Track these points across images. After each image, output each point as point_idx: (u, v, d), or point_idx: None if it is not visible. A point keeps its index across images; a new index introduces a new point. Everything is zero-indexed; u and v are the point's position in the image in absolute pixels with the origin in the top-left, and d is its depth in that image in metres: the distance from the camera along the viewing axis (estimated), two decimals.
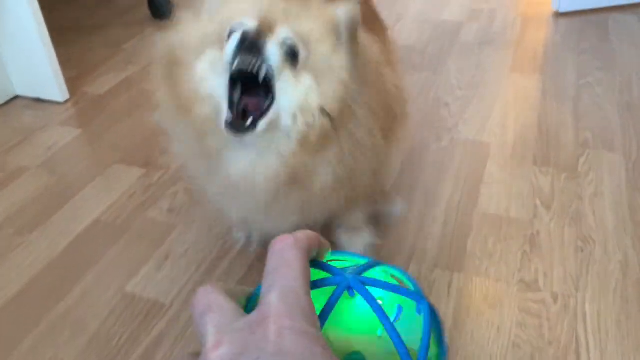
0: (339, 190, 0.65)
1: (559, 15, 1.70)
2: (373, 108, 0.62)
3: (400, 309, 0.29)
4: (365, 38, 0.65)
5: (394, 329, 0.27)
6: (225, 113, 0.56)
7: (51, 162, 1.16)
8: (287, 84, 0.56)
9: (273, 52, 0.55)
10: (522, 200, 0.98)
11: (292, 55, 0.56)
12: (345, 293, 0.28)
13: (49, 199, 1.05)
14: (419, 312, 0.29)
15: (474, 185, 1.02)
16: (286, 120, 0.57)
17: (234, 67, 0.54)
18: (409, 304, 0.30)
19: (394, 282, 0.31)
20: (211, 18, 0.61)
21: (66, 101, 1.39)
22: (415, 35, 1.65)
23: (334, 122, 0.59)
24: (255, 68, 0.54)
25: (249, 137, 0.58)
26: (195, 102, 0.59)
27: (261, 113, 0.57)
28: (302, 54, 0.57)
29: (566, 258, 0.86)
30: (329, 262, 0.31)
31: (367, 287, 0.29)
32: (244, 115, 0.57)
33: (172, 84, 0.61)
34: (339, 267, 0.30)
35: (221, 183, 0.65)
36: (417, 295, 0.30)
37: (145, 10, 1.91)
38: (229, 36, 0.56)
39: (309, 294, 0.25)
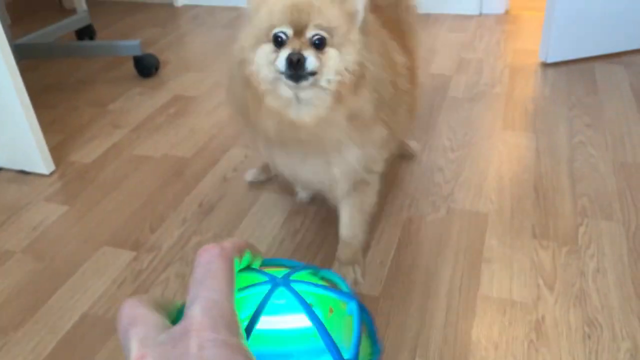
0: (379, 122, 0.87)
1: (546, 65, 1.71)
2: (385, 69, 0.85)
3: (330, 309, 0.30)
4: (379, 29, 0.88)
5: (324, 329, 0.28)
6: (284, 74, 0.78)
7: (37, 245, 1.13)
8: (318, 60, 0.78)
9: (310, 62, 0.77)
10: (524, 278, 0.96)
11: (319, 44, 0.79)
12: (275, 295, 0.29)
13: (35, 290, 1.01)
14: (350, 312, 0.30)
15: (475, 263, 1.00)
16: (323, 82, 0.79)
17: (285, 72, 0.78)
18: (339, 304, 0.30)
19: (324, 284, 0.32)
20: (256, 24, 0.81)
21: (52, 173, 1.35)
22: None
23: (357, 77, 0.80)
24: (302, 71, 0.78)
25: (302, 87, 0.79)
26: (258, 80, 0.81)
27: (305, 77, 0.79)
28: (327, 38, 0.79)
29: (573, 347, 0.83)
30: (261, 269, 0.32)
31: (297, 289, 0.29)
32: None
33: (242, 71, 0.83)
34: (270, 273, 0.31)
35: (288, 137, 0.85)
36: (347, 295, 0.30)
37: (130, 66, 1.89)
38: (276, 39, 0.79)
39: (232, 305, 0.26)
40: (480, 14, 2.16)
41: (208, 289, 0.26)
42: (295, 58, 0.76)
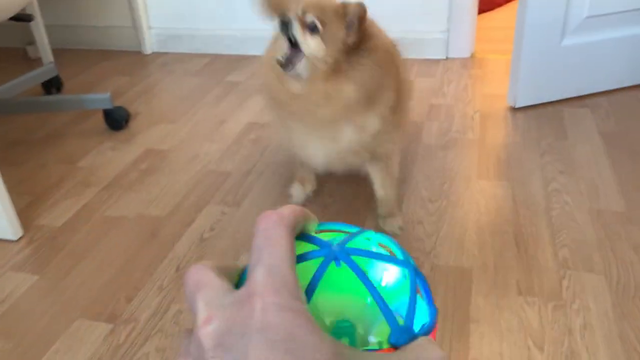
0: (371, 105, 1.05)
1: (515, 110, 1.74)
2: (377, 61, 1.03)
3: (384, 276, 0.30)
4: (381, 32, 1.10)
5: (380, 296, 0.28)
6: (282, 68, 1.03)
7: (6, 321, 1.07)
8: (307, 44, 1.00)
9: (294, 25, 0.99)
10: (513, 338, 0.95)
11: (313, 28, 1.00)
12: (332, 264, 0.29)
13: None
14: (404, 277, 0.30)
15: (463, 324, 0.99)
16: (308, 62, 1.01)
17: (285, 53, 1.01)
18: (395, 271, 0.31)
19: (380, 249, 0.32)
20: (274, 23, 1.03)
21: (20, 238, 1.30)
22: None
23: (334, 65, 1.01)
24: (288, 34, 1.00)
25: (292, 72, 1.03)
26: (272, 63, 1.05)
27: (297, 61, 1.02)
28: (320, 28, 1.00)
29: None
30: (316, 235, 0.32)
31: (352, 257, 0.29)
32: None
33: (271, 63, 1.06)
34: (325, 240, 0.31)
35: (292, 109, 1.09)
36: (403, 262, 0.31)
37: (99, 118, 1.86)
38: (282, 25, 1.01)
39: (294, 271, 0.26)
40: (447, 58, 2.21)
41: (269, 255, 0.27)
42: (282, 20, 1.02)
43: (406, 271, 0.31)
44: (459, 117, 1.75)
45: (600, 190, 1.33)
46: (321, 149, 1.13)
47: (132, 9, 2.46)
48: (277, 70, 1.04)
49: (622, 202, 1.29)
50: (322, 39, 0.99)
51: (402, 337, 0.28)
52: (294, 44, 1.01)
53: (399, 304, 0.29)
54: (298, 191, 1.37)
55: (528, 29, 1.61)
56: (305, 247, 0.31)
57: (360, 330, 0.28)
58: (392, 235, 1.13)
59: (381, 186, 1.23)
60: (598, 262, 1.11)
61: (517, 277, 1.09)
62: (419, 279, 0.31)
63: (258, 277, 0.26)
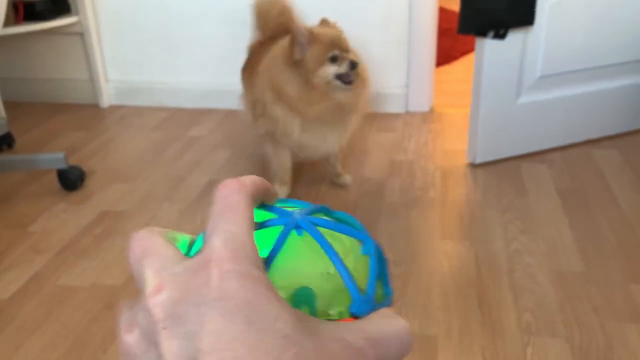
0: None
1: (474, 166, 1.78)
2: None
3: (347, 249, 0.30)
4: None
5: (343, 265, 0.28)
6: (340, 82, 1.45)
7: None
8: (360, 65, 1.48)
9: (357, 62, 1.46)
10: None
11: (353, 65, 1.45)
12: (293, 232, 0.28)
13: None
14: (365, 251, 0.30)
15: None
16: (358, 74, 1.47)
17: (348, 72, 1.44)
18: (356, 245, 0.30)
19: (342, 224, 0.32)
20: (315, 51, 1.43)
21: None
22: (342, 195, 1.65)
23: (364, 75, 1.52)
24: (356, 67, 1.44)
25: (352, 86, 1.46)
26: (324, 84, 1.44)
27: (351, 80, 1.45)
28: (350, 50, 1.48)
29: None
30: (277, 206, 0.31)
31: (315, 226, 0.29)
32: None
33: (305, 77, 1.45)
34: (287, 210, 0.30)
35: (332, 117, 1.50)
36: (364, 235, 0.30)
37: (53, 177, 1.79)
38: (332, 58, 1.44)
39: (252, 237, 0.26)
40: (407, 112, 2.25)
41: (227, 221, 0.25)
42: (355, 63, 1.43)
43: (368, 245, 0.31)
44: (421, 173, 1.76)
45: (559, 250, 1.35)
46: (337, 138, 1.57)
47: (89, 61, 2.43)
48: (331, 87, 1.46)
49: (581, 262, 1.31)
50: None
51: (363, 307, 0.28)
52: (350, 69, 1.44)
53: (360, 276, 0.29)
54: (282, 190, 1.63)
55: (484, 88, 1.65)
56: (265, 216, 0.30)
57: (320, 299, 0.28)
58: (343, 185, 1.68)
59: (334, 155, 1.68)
60: (560, 326, 1.11)
61: (482, 344, 1.08)
62: (380, 258, 0.31)
63: (215, 244, 0.24)
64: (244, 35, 2.29)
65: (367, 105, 1.60)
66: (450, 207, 1.57)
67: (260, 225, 0.29)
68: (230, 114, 2.34)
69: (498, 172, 1.73)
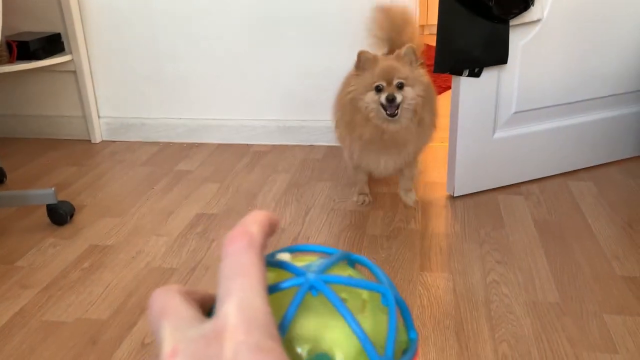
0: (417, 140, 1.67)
1: (454, 198, 1.82)
2: (433, 97, 1.66)
3: (363, 302, 0.29)
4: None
5: (359, 326, 0.27)
6: (384, 112, 1.55)
7: None
8: (402, 95, 1.54)
9: (397, 98, 1.53)
10: None
11: (400, 86, 1.54)
12: (308, 293, 0.28)
13: None
14: (385, 303, 0.29)
15: None
16: (405, 107, 1.55)
17: (387, 105, 1.53)
18: (375, 297, 0.30)
19: (358, 274, 0.31)
20: (364, 78, 1.57)
21: None
22: (326, 229, 1.68)
23: (424, 101, 1.57)
24: (394, 104, 1.54)
25: (395, 117, 1.55)
26: (366, 110, 1.57)
27: (396, 110, 1.54)
28: (404, 82, 1.54)
29: None
30: (291, 260, 0.31)
31: (329, 284, 0.28)
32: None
33: (355, 106, 1.59)
34: (300, 266, 0.30)
35: (381, 142, 1.61)
36: (382, 287, 0.30)
37: (42, 213, 1.83)
38: (377, 88, 1.55)
39: (266, 303, 0.25)
40: None
41: (239, 286, 0.25)
42: (390, 97, 1.52)
43: (386, 297, 0.30)
44: (403, 206, 1.81)
45: (536, 281, 1.39)
46: (391, 163, 1.69)
47: (82, 98, 2.48)
48: (380, 116, 1.57)
49: (556, 292, 1.34)
50: (409, 84, 1.55)
51: None
52: (387, 101, 1.53)
53: (378, 332, 0.29)
54: (365, 199, 1.82)
55: (461, 124, 1.71)
56: (279, 275, 0.29)
57: None
58: (407, 204, 1.80)
59: (407, 177, 1.80)
60: (536, 357, 1.14)
61: None
62: (400, 304, 0.31)
63: (228, 312, 0.24)
64: (230, 73, 2.36)
65: (421, 140, 1.68)
66: (429, 238, 1.60)
67: (274, 288, 0.28)
68: (219, 147, 2.39)
69: (476, 204, 1.78)
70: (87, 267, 1.54)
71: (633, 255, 1.47)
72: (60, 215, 1.77)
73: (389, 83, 1.54)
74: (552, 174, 1.91)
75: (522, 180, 1.88)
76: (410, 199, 1.80)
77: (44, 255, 1.62)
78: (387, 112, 1.53)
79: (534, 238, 1.57)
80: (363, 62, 1.57)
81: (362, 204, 1.82)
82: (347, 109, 1.62)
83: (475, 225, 1.66)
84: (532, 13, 1.62)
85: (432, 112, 1.64)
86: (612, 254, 1.48)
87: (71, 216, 1.82)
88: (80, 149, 2.47)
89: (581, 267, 1.43)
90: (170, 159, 2.30)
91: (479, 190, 1.84)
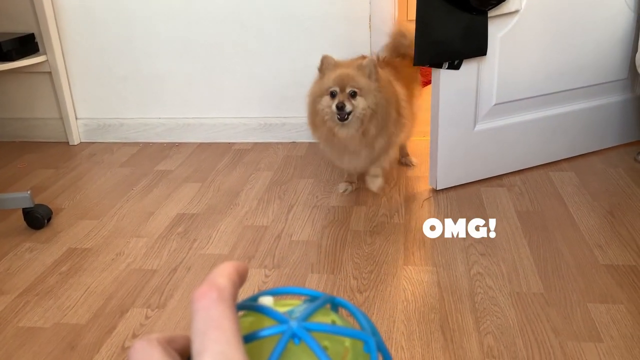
0: (381, 141, 1.68)
1: (436, 192, 1.81)
2: (389, 101, 1.65)
3: (345, 349, 0.29)
4: (385, 73, 1.69)
5: None
6: (336, 116, 1.59)
7: None
8: (352, 104, 1.58)
9: (347, 107, 1.57)
10: None
11: (353, 94, 1.58)
12: (290, 342, 0.27)
13: None
14: (367, 350, 0.29)
15: None
16: (356, 116, 1.59)
17: (336, 112, 1.58)
18: (357, 344, 0.29)
19: (342, 320, 0.31)
20: (322, 82, 1.63)
21: None
22: (309, 225, 1.67)
23: (372, 113, 1.60)
24: (343, 112, 1.58)
25: (345, 123, 1.60)
26: (323, 113, 1.63)
27: (347, 116, 1.59)
28: (357, 92, 1.58)
29: None
30: (273, 306, 0.30)
31: (312, 332, 0.28)
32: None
33: (315, 108, 1.65)
34: (283, 312, 0.29)
35: (335, 143, 1.69)
36: (364, 334, 0.29)
37: (19, 216, 1.78)
38: (331, 93, 1.60)
39: (243, 354, 0.25)
40: None
41: (214, 341, 0.25)
42: (340, 105, 1.56)
43: (368, 344, 0.30)
44: (386, 200, 1.79)
45: (519, 272, 1.38)
46: (354, 162, 1.75)
47: (58, 100, 2.44)
48: (333, 120, 1.62)
49: (539, 283, 1.34)
50: (362, 95, 1.59)
51: None
52: (337, 108, 1.57)
53: None
54: (347, 188, 1.86)
55: (442, 117, 1.71)
56: (260, 322, 0.29)
57: None
58: (371, 189, 1.82)
59: (374, 171, 1.81)
60: (521, 348, 1.13)
61: None
62: (382, 351, 0.30)
63: None
64: (209, 71, 2.33)
65: (373, 150, 1.69)
66: (413, 232, 1.59)
67: (255, 336, 0.28)
68: (199, 147, 2.36)
69: (459, 197, 1.77)
70: (65, 271, 1.51)
71: (615, 244, 1.48)
72: (37, 218, 1.73)
73: (342, 90, 1.58)
74: (534, 165, 1.92)
75: (504, 172, 1.88)
76: (374, 184, 1.81)
77: (20, 260, 1.58)
78: (338, 116, 1.58)
79: (516, 229, 1.57)
80: (325, 66, 1.64)
81: (345, 191, 1.86)
82: (310, 110, 1.69)
83: (458, 217, 1.65)
84: (510, 4, 1.62)
85: (380, 126, 1.63)
86: (595, 243, 1.49)
87: (48, 219, 1.78)
88: (58, 151, 2.42)
89: (564, 257, 1.43)
90: (150, 160, 2.26)
91: (461, 183, 1.83)
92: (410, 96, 1.82)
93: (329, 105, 1.60)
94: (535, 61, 1.76)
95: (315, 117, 1.67)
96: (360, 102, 1.58)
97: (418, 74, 1.93)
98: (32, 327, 1.29)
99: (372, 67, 1.59)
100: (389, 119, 1.65)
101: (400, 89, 1.71)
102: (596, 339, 1.15)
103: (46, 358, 1.19)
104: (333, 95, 1.60)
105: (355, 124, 1.61)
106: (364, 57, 1.71)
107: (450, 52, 1.61)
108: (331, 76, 1.60)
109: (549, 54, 1.77)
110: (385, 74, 1.68)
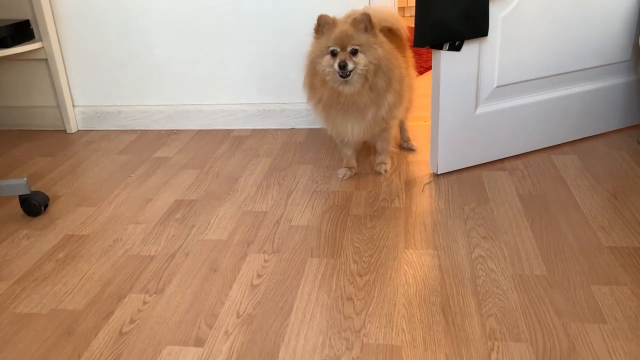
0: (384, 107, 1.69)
1: (437, 176, 1.79)
2: (390, 54, 1.64)
3: None
4: (386, 41, 1.66)
5: None
6: (338, 75, 1.60)
7: None
8: (354, 62, 1.59)
9: (349, 66, 1.58)
10: None
11: (354, 52, 1.59)
12: None
13: None
14: None
15: None
16: (358, 72, 1.59)
17: (338, 71, 1.59)
18: None
19: None
20: (321, 42, 1.63)
21: None
22: (309, 210, 1.65)
23: (376, 68, 1.60)
24: (345, 71, 1.59)
25: (348, 80, 1.60)
26: (323, 73, 1.63)
27: (349, 73, 1.59)
28: (359, 49, 1.59)
29: None
30: None
31: None
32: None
33: (314, 69, 1.65)
34: None
35: (339, 103, 1.65)
36: None
37: (16, 204, 1.77)
38: (332, 52, 1.60)
39: None
40: None
41: None
42: (342, 64, 1.57)
43: None
44: (386, 185, 1.77)
45: (522, 254, 1.36)
46: (357, 127, 1.70)
47: (55, 88, 2.41)
48: (335, 79, 1.62)
49: (542, 265, 1.32)
50: (363, 52, 1.59)
51: None
52: (339, 67, 1.58)
53: None
54: (346, 173, 1.84)
55: (443, 100, 1.68)
56: None
57: None
58: (378, 173, 1.85)
59: (381, 147, 1.85)
60: (524, 330, 1.12)
61: (447, 351, 1.07)
62: None
63: None
64: (206, 57, 2.30)
65: (381, 106, 1.67)
66: (413, 216, 1.57)
67: None
68: (198, 134, 2.34)
69: (460, 181, 1.75)
70: (62, 258, 1.49)
71: (618, 226, 1.46)
72: (33, 205, 1.71)
73: (343, 49, 1.58)
74: (536, 148, 1.89)
75: (505, 156, 1.86)
76: (381, 168, 1.84)
77: (17, 247, 1.56)
78: (340, 74, 1.58)
79: (519, 212, 1.55)
80: (322, 25, 1.63)
81: (344, 177, 1.83)
82: (308, 71, 1.68)
83: (460, 201, 1.63)
84: None
85: (388, 78, 1.62)
86: (598, 225, 1.46)
87: (45, 207, 1.76)
88: (55, 139, 2.40)
89: (567, 239, 1.41)
90: (148, 147, 2.24)
91: (462, 167, 1.81)
92: (407, 65, 1.79)
93: (330, 64, 1.60)
94: (538, 42, 1.73)
95: (314, 78, 1.66)
96: (361, 59, 1.58)
97: (408, 45, 1.87)
98: (29, 314, 1.27)
99: (367, 20, 1.58)
100: (394, 71, 1.63)
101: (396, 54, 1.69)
102: (600, 320, 1.13)
103: (43, 344, 1.17)
104: (334, 54, 1.59)
105: (359, 80, 1.60)
106: (354, 11, 1.70)
107: (451, 33, 1.58)
108: (331, 36, 1.60)
109: (551, 34, 1.74)
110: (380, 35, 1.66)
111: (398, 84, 1.67)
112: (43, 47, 2.31)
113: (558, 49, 1.77)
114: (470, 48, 1.64)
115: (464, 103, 1.71)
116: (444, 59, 1.63)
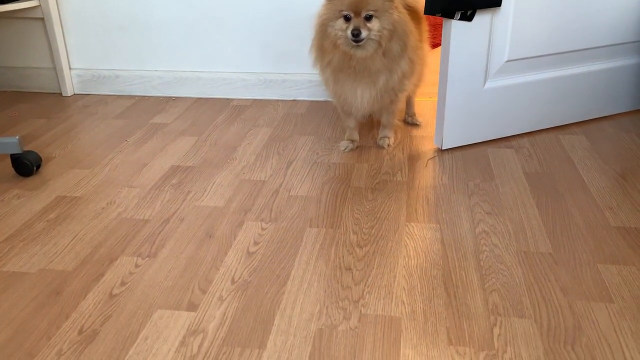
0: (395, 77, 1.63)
1: (442, 151, 1.75)
2: (405, 19, 1.58)
3: None
4: (404, 11, 1.60)
5: None
6: (351, 40, 1.54)
7: None
8: (368, 28, 1.53)
9: (363, 34, 1.52)
10: None
11: (368, 17, 1.53)
12: None
13: None
14: None
15: None
16: (372, 37, 1.55)
17: (351, 38, 1.53)
18: None
19: None
20: (334, 4, 1.56)
21: None
22: (308, 180, 1.60)
23: (390, 34, 1.56)
24: (359, 38, 1.53)
25: (361, 44, 1.56)
26: (335, 37, 1.58)
27: (362, 40, 1.54)
28: (373, 14, 1.53)
29: None
30: None
31: None
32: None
33: (324, 31, 1.60)
34: None
35: (351, 67, 1.60)
36: None
37: (7, 164, 1.72)
38: (345, 17, 1.55)
39: None
40: None
41: None
42: (355, 32, 1.51)
43: None
44: (389, 158, 1.73)
45: (527, 231, 1.32)
46: (367, 94, 1.64)
47: (51, 49, 2.34)
48: (347, 43, 1.57)
49: (548, 243, 1.28)
50: (377, 17, 1.54)
51: None
52: (352, 34, 1.53)
53: None
54: (348, 145, 1.80)
55: (451, 72, 1.63)
56: None
57: None
58: (380, 146, 1.81)
59: (386, 119, 1.80)
60: (528, 306, 1.08)
61: (447, 324, 1.04)
62: None
63: None
64: (207, 22, 2.23)
65: (394, 72, 1.61)
66: (416, 190, 1.53)
67: None
68: (197, 101, 2.28)
69: (465, 156, 1.71)
70: (54, 218, 1.45)
71: (627, 206, 1.42)
72: (25, 165, 1.66)
73: (357, 14, 1.53)
74: (543, 127, 1.85)
75: (512, 134, 1.81)
76: (384, 142, 1.80)
77: (7, 206, 1.52)
78: (353, 40, 1.53)
79: (524, 190, 1.51)
80: None
81: (345, 149, 1.79)
82: (318, 34, 1.62)
83: (464, 177, 1.59)
84: None
85: (403, 43, 1.57)
86: (606, 205, 1.43)
87: (38, 167, 1.71)
88: (51, 101, 2.34)
89: (574, 218, 1.38)
90: (146, 112, 2.19)
91: (468, 143, 1.77)
92: (421, 39, 1.73)
93: (342, 29, 1.55)
94: (552, 16, 1.67)
95: (324, 40, 1.60)
96: (375, 25, 1.53)
97: (423, 17, 1.80)
98: (17, 272, 1.23)
99: None
100: (409, 36, 1.57)
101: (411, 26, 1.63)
102: (607, 299, 1.10)
103: (30, 303, 1.13)
104: (347, 19, 1.54)
105: (372, 45, 1.55)
106: None
107: (463, 1, 1.52)
108: (345, 0, 1.54)
109: (565, 9, 1.68)
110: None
111: (412, 52, 1.61)
112: (40, 5, 2.24)
113: (572, 24, 1.71)
114: (482, 19, 1.58)
115: (473, 76, 1.65)
116: (455, 29, 1.57)
